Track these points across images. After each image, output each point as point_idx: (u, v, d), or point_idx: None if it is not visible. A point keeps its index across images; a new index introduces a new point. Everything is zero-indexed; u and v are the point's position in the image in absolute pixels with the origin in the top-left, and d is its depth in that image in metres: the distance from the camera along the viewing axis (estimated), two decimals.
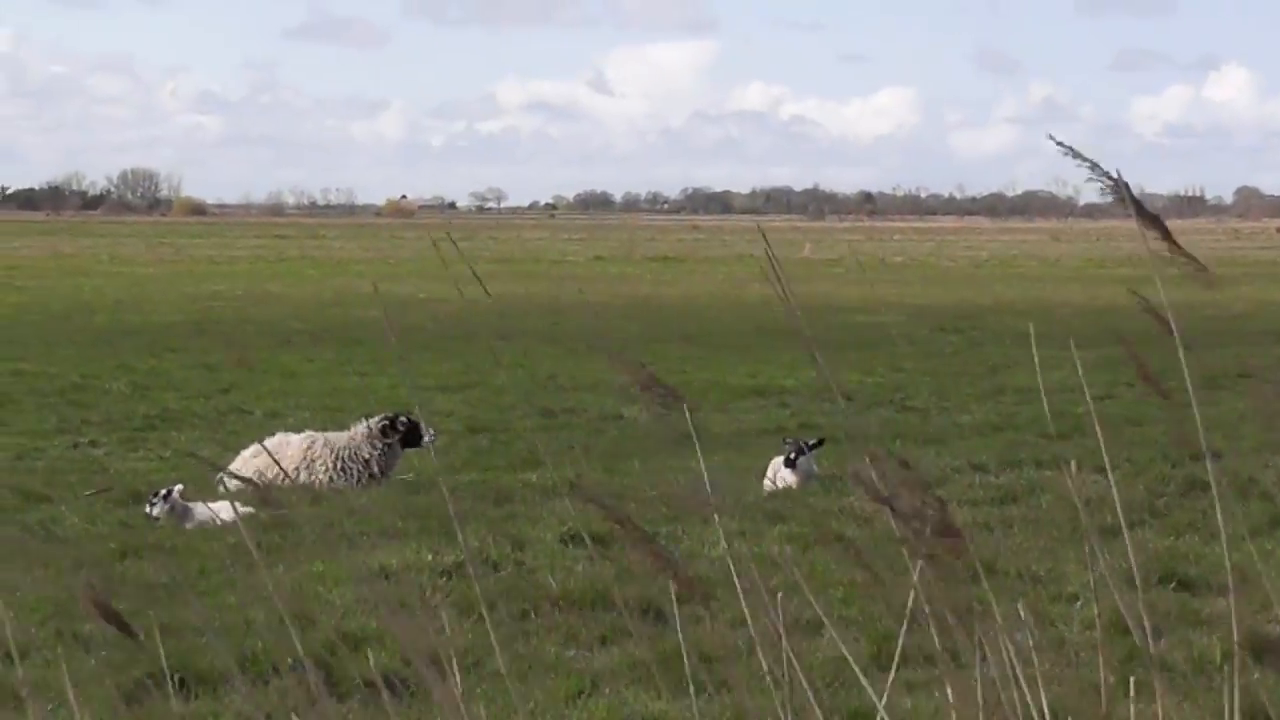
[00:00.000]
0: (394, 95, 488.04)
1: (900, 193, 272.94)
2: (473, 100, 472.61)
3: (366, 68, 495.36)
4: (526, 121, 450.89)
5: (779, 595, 4.58)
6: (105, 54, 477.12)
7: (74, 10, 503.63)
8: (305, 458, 17.04)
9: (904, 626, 4.47)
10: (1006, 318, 41.45)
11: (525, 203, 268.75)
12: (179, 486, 14.95)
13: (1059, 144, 4.19)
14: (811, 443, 16.44)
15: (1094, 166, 4.15)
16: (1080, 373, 4.72)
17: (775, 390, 26.06)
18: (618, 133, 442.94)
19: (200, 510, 14.82)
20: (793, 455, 16.09)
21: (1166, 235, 4.24)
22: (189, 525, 14.49)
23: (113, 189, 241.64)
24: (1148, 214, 4.19)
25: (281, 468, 16.48)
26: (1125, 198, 4.16)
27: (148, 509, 14.70)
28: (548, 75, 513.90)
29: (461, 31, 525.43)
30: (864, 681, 4.83)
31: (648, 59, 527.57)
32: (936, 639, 4.42)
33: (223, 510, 14.84)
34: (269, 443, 17.36)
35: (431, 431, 17.58)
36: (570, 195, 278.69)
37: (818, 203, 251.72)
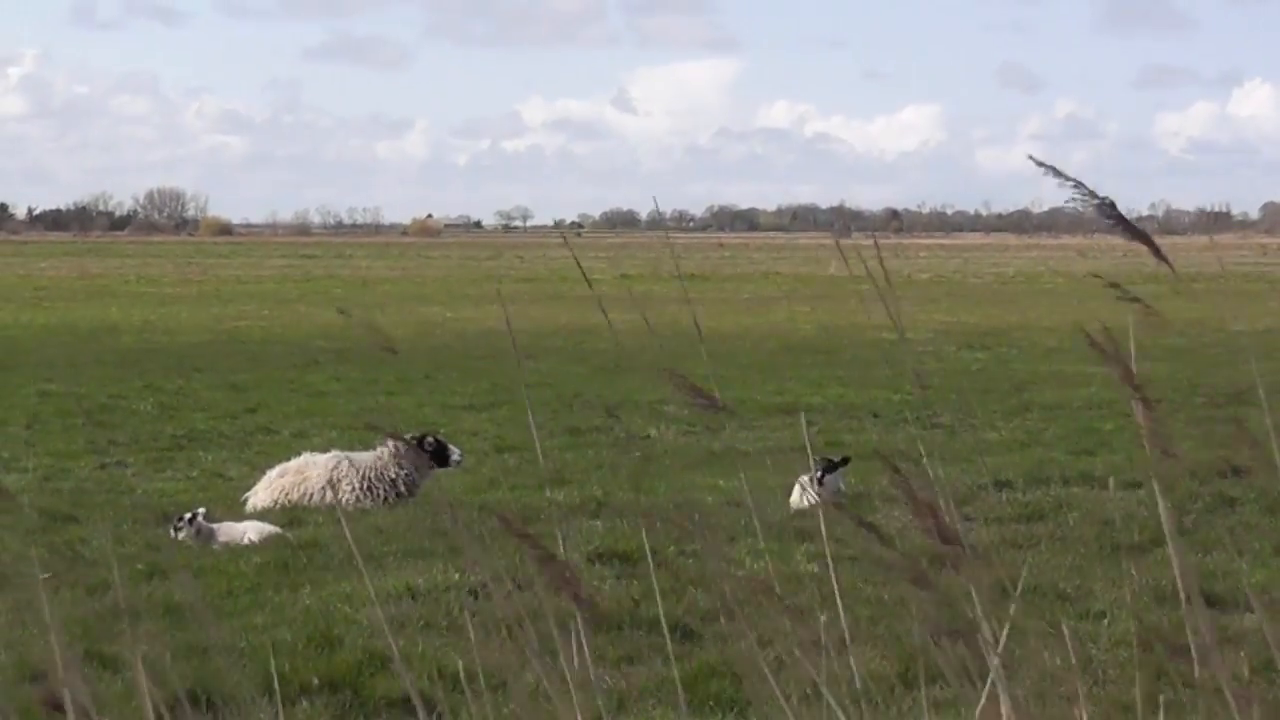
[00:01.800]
0: (418, 115, 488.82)
1: (926, 209, 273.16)
2: (497, 119, 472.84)
3: (390, 87, 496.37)
4: (551, 140, 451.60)
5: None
6: (129, 74, 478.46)
7: (96, 31, 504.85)
8: (331, 478, 17.04)
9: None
10: (1034, 334, 41.40)
11: (550, 221, 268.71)
12: (202, 510, 14.96)
13: (1039, 163, 4.16)
14: (838, 460, 16.41)
15: (1078, 185, 4.13)
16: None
17: (802, 408, 26.01)
18: (643, 151, 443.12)
19: (226, 530, 14.83)
20: (820, 473, 16.05)
21: (1157, 252, 4.25)
22: (215, 546, 14.50)
23: (139, 209, 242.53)
24: (1138, 231, 4.19)
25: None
26: (1113, 216, 4.14)
27: (173, 533, 14.70)
28: (571, 94, 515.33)
29: (484, 51, 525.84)
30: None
31: (671, 77, 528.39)
32: (965, 657, 4.41)
33: (249, 530, 14.87)
34: (295, 463, 17.36)
35: (459, 451, 17.57)
36: (596, 214, 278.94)
37: (844, 220, 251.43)
